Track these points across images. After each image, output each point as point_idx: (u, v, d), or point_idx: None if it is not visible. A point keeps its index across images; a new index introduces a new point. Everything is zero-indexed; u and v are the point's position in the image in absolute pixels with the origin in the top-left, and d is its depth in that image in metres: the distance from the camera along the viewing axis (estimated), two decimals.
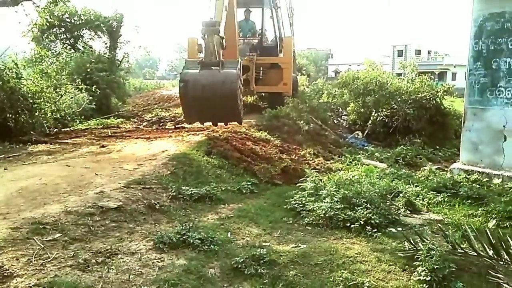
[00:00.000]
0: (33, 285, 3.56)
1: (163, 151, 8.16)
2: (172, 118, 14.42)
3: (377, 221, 5.51)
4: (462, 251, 4.41)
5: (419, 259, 4.35)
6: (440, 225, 5.53)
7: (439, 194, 7.08)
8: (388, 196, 6.44)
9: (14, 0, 11.92)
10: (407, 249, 4.71)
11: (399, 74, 21.59)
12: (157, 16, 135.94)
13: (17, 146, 9.29)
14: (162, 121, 14.15)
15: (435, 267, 4.16)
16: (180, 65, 75.32)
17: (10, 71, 10.50)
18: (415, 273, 4.27)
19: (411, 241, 4.76)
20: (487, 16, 7.99)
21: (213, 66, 8.00)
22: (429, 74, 20.78)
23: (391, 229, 5.57)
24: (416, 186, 7.52)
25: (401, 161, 10.64)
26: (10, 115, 10.26)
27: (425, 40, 63.74)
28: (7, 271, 3.69)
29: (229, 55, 9.99)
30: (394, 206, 6.24)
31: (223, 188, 7.00)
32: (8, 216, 4.75)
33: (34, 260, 3.94)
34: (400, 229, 5.60)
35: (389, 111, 13.99)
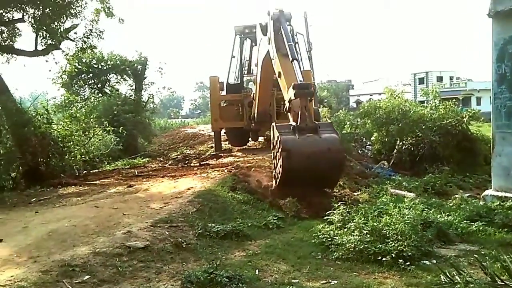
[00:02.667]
0: None
1: (188, 189, 8.22)
2: (197, 156, 14.61)
3: (410, 254, 5.31)
4: (503, 283, 4.18)
5: None
6: (476, 255, 5.29)
7: (473, 223, 6.81)
8: (419, 227, 6.22)
9: (45, 49, 12.54)
10: (444, 282, 4.49)
11: (422, 102, 21.38)
12: (178, 56, 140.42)
13: (48, 189, 9.54)
14: (187, 158, 14.35)
15: None
16: (203, 103, 76.91)
17: (41, 117, 10.95)
18: None
19: (447, 273, 4.55)
20: (507, 39, 7.91)
21: (311, 130, 7.50)
22: (453, 100, 20.53)
23: (424, 261, 5.36)
24: (448, 215, 7.26)
25: (430, 189, 10.38)
26: (42, 159, 10.62)
27: (446, 66, 63.27)
28: None
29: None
30: (426, 237, 6.02)
31: (249, 224, 6.93)
32: (39, 259, 4.82)
33: None
34: (434, 261, 5.38)
35: (414, 139, 13.81)
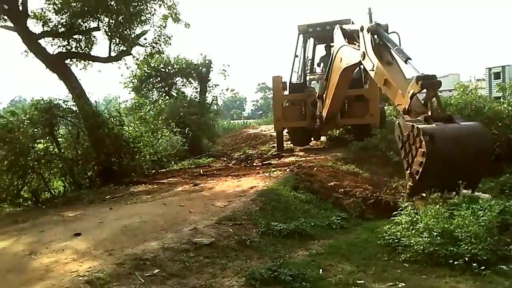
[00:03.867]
0: None
1: (251, 188, 8.32)
2: (259, 155, 14.74)
3: (485, 257, 4.98)
4: None
5: None
6: None
7: None
8: (496, 229, 5.81)
9: (118, 55, 13.33)
10: None
11: (497, 98, 19.93)
12: (241, 57, 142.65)
13: (121, 187, 10.11)
14: (249, 158, 14.52)
15: None
16: (265, 104, 77.51)
17: (114, 119, 11.63)
18: None
19: None
20: None
21: (445, 120, 6.81)
22: None
23: (502, 266, 5.00)
24: None
25: (507, 191, 9.62)
26: (115, 159, 11.28)
27: None
28: None
29: None
30: (503, 241, 5.61)
31: (312, 224, 6.87)
32: (113, 252, 5.13)
33: None
34: None
35: None
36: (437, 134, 6.34)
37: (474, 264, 4.89)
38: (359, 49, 9.02)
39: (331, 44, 14.82)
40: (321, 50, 15.72)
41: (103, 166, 11.01)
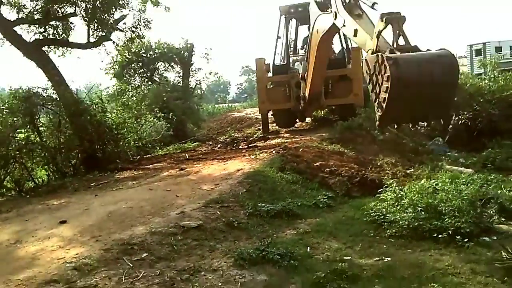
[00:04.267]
0: None
1: (238, 170, 8.32)
2: (245, 138, 14.71)
3: (468, 230, 5.11)
4: None
5: None
6: None
7: None
8: (478, 203, 5.94)
9: (97, 41, 13.03)
10: (505, 258, 4.30)
11: (479, 74, 20.18)
12: (223, 40, 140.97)
13: (105, 174, 10.00)
14: (235, 141, 14.48)
15: None
16: (250, 87, 77.17)
17: (96, 106, 11.44)
18: None
19: (509, 250, 4.34)
20: None
21: (411, 50, 6.47)
22: None
23: (484, 238, 5.15)
24: (509, 191, 6.88)
25: (489, 165, 9.83)
26: (98, 146, 11.13)
27: (505, 35, 59.06)
28: None
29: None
30: (486, 214, 5.74)
31: (299, 203, 6.92)
32: (100, 238, 5.10)
33: (125, 279, 4.17)
34: (494, 237, 5.16)
35: (471, 113, 13.06)
36: (400, 58, 6.24)
37: (458, 237, 5.01)
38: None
39: None
40: (304, 31, 15.64)
41: (86, 153, 10.85)
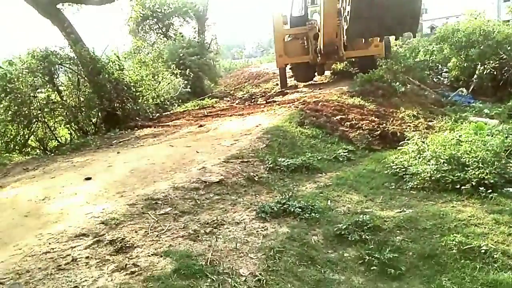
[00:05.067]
0: (151, 254, 3.88)
1: (257, 126, 8.30)
2: (263, 94, 14.59)
3: (492, 181, 5.04)
4: None
5: None
6: None
7: None
8: (503, 154, 5.82)
9: None
10: None
11: (507, 21, 19.21)
12: None
13: (126, 132, 10.13)
14: (253, 97, 14.38)
15: None
16: (268, 41, 75.54)
17: (113, 63, 11.40)
18: None
19: None
20: None
21: None
22: None
23: (508, 188, 5.07)
24: None
25: None
26: (117, 104, 11.21)
27: None
28: (128, 243, 4.06)
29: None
30: (511, 165, 5.63)
31: (319, 158, 6.92)
32: (125, 194, 5.21)
33: (150, 232, 4.28)
34: None
35: (497, 62, 12.59)
36: None
37: (481, 188, 4.95)
38: None
39: None
40: None
41: (106, 111, 10.94)
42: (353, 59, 14.46)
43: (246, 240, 4.18)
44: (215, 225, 4.47)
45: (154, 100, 12.49)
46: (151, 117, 11.96)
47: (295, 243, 4.12)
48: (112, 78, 10.99)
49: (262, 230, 4.38)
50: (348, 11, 6.47)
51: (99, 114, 11.14)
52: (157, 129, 10.01)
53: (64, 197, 5.39)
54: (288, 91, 13.74)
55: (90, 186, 5.73)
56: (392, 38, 17.90)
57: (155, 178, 5.80)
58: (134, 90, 11.55)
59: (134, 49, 16.63)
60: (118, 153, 7.81)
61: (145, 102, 11.99)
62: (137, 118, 11.23)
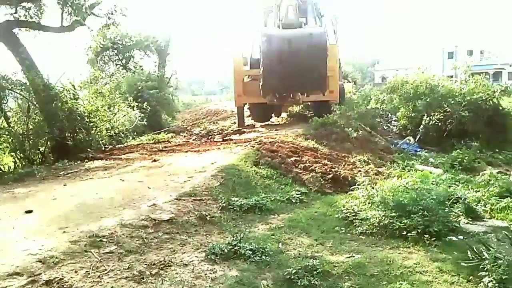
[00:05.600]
0: None
1: (212, 163, 8.25)
2: (220, 131, 14.63)
3: (436, 229, 5.23)
4: None
5: (485, 269, 4.07)
6: (505, 232, 5.16)
7: (502, 200, 6.65)
8: (446, 202, 6.10)
9: (70, 25, 12.61)
10: (471, 258, 4.42)
11: (451, 77, 20.72)
12: (203, 31, 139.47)
13: (76, 163, 9.74)
14: (210, 134, 14.38)
15: (504, 277, 3.86)
16: (227, 80, 76.77)
17: (68, 92, 11.10)
18: (481, 284, 4.00)
19: (475, 249, 4.46)
20: None
21: (295, 26, 7.15)
22: (483, 74, 19.77)
23: (451, 237, 5.29)
24: (476, 191, 7.11)
25: (457, 166, 10.12)
26: (69, 134, 10.82)
27: (476, 40, 60.76)
28: (66, 283, 3.82)
29: None
30: (453, 213, 5.91)
31: (272, 198, 6.94)
32: (68, 229, 4.95)
33: (92, 272, 4.06)
34: (461, 237, 5.32)
35: (441, 114, 13.44)
36: (275, 35, 7.01)
37: (426, 236, 5.12)
38: None
39: None
40: None
41: (56, 141, 10.52)
42: (309, 103, 14.92)
43: (194, 283, 4.05)
44: (162, 266, 4.31)
45: (108, 131, 12.19)
46: (103, 149, 11.62)
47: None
48: (66, 107, 10.66)
49: (210, 273, 4.26)
50: (262, 70, 7.20)
51: (48, 143, 10.69)
52: (109, 162, 9.71)
53: (0, 231, 5.03)
54: (245, 130, 13.88)
55: (30, 220, 5.41)
56: (346, 85, 18.73)
57: (102, 213, 5.57)
58: (88, 120, 11.24)
59: (92, 79, 16.29)
60: (64, 185, 7.47)
61: (99, 133, 11.67)
62: (88, 150, 10.85)
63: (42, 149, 10.66)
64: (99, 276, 4.01)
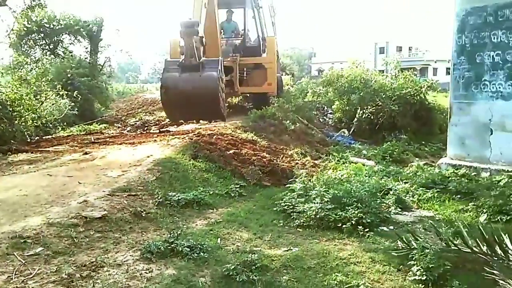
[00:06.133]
0: None
1: (148, 156, 7.97)
2: (157, 122, 14.22)
3: (369, 220, 5.44)
4: (456, 248, 4.34)
5: (413, 258, 4.28)
6: (431, 221, 5.49)
7: (428, 190, 7.07)
8: (378, 194, 6.38)
9: None
10: (401, 248, 4.64)
11: (382, 71, 21.74)
12: (138, 18, 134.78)
13: None
14: (146, 125, 13.93)
15: (430, 266, 4.09)
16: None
17: None
18: (410, 272, 4.20)
19: (404, 239, 4.68)
20: (469, 10, 8.01)
21: (194, 68, 8.03)
22: (411, 70, 20.93)
23: (383, 227, 5.52)
24: (405, 182, 7.49)
25: (388, 157, 10.64)
26: None
27: (405, 36, 64.44)
28: None
29: (211, 55, 9.86)
30: (384, 204, 6.18)
31: (211, 192, 6.85)
32: None
33: (15, 277, 3.76)
34: (392, 227, 5.57)
35: (374, 108, 14.04)
36: (170, 86, 8.23)
37: (360, 227, 5.30)
38: None
39: (232, 9, 14.63)
40: (222, 15, 15.40)
41: None
42: (248, 95, 14.93)
43: (128, 284, 3.87)
44: (93, 267, 4.08)
45: (34, 121, 11.33)
46: (28, 140, 10.83)
47: (181, 286, 3.92)
48: None
49: (146, 273, 4.10)
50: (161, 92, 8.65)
51: None
52: (35, 155, 9.04)
53: None
54: (182, 121, 13.57)
55: None
56: (284, 77, 18.94)
57: (26, 212, 5.18)
58: (11, 109, 10.37)
59: (15, 64, 15.05)
60: None
61: (23, 123, 10.82)
62: (11, 141, 10.05)
63: None
64: (23, 281, 3.72)
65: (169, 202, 6.05)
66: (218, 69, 8.21)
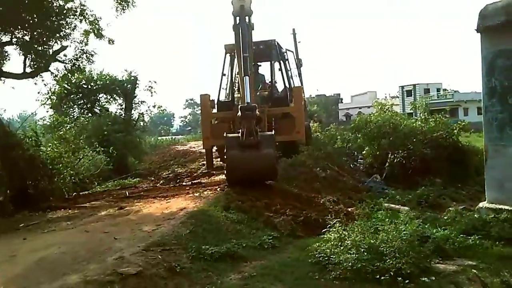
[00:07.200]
0: None
1: (181, 209, 8.08)
2: (189, 174, 14.45)
3: (408, 271, 5.23)
4: None
5: None
6: (475, 271, 5.24)
7: (469, 237, 6.76)
8: (416, 242, 6.15)
9: (34, 72, 12.38)
10: None
11: (410, 114, 21.63)
12: (168, 73, 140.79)
13: (37, 214, 9.31)
14: (178, 177, 14.18)
15: None
16: (194, 120, 76.96)
17: (30, 139, 10.76)
18: None
19: None
20: (496, 52, 7.98)
21: (253, 146, 9.06)
22: (441, 112, 20.73)
23: (423, 278, 5.29)
24: (443, 229, 7.21)
25: (424, 203, 10.34)
26: (30, 182, 10.39)
27: (432, 78, 64.32)
28: None
29: None
30: (423, 253, 5.94)
31: (244, 245, 6.78)
32: None
33: None
34: (433, 278, 5.32)
35: (405, 152, 13.83)
36: (235, 161, 9.32)
37: (399, 278, 5.10)
38: None
39: (258, 63, 15.14)
40: None
41: (17, 190, 10.07)
42: (277, 144, 15.04)
43: None
44: None
45: (72, 178, 11.79)
46: (67, 196, 11.21)
47: None
48: (27, 154, 10.29)
49: None
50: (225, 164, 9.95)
51: (7, 193, 10.21)
52: (73, 211, 9.34)
53: None
54: (214, 172, 13.76)
55: None
56: (312, 124, 19.08)
57: (65, 270, 5.28)
58: (50, 167, 10.86)
59: (55, 124, 15.90)
60: (24, 239, 7.09)
61: (62, 180, 11.27)
62: (50, 198, 10.44)
63: (0, 199, 10.16)
64: None
65: (202, 256, 6.03)
66: (273, 146, 9.48)
